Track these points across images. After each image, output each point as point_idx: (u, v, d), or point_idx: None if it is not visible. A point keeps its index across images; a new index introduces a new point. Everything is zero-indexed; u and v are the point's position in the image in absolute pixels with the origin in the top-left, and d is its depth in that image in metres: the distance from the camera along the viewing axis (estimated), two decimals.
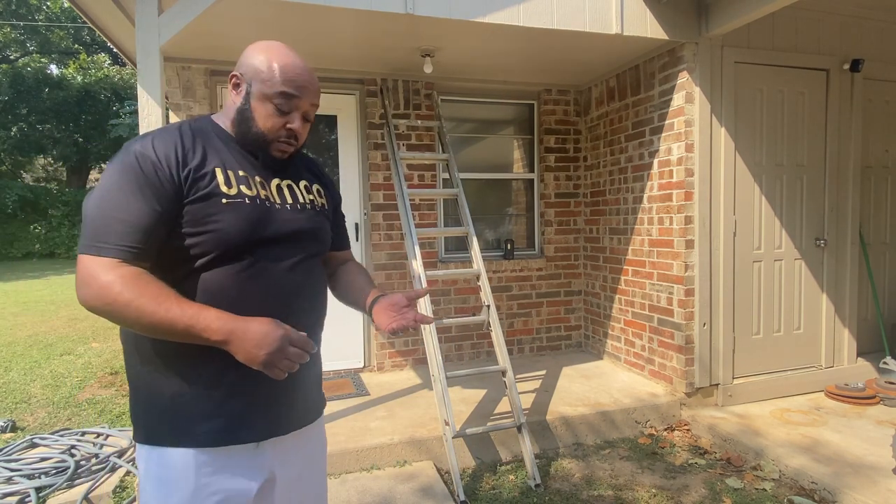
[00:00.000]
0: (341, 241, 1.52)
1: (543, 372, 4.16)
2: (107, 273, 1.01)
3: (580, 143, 4.71)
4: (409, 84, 4.21)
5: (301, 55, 1.24)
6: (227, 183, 1.14)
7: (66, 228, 15.69)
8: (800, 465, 2.77)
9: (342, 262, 1.53)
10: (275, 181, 1.25)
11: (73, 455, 3.04)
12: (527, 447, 2.89)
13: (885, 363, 3.82)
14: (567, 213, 4.72)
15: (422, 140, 4.27)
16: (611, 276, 4.34)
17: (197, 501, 1.10)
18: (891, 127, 4.17)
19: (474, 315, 3.64)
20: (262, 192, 1.20)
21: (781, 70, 3.68)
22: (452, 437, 2.84)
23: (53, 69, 19.90)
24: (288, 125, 1.20)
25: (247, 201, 1.15)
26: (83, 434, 3.37)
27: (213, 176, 1.13)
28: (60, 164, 20.46)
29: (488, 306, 3.28)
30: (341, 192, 3.49)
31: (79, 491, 2.69)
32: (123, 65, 19.18)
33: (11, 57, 19.21)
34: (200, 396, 1.12)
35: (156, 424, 1.13)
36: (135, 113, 14.28)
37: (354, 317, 4.13)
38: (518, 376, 3.89)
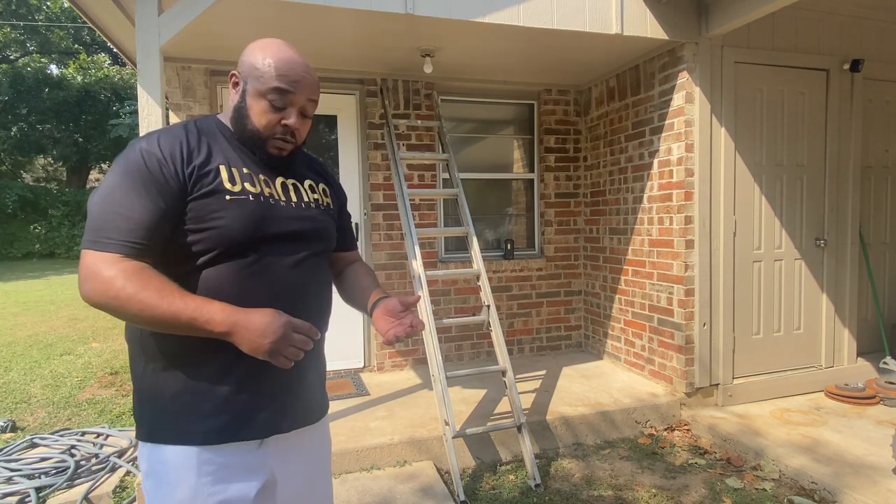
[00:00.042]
0: (347, 242, 1.51)
1: (543, 372, 4.16)
2: (109, 268, 1.01)
3: (580, 143, 4.71)
4: (409, 84, 4.21)
5: (299, 52, 1.23)
6: (231, 180, 1.15)
7: (66, 228, 15.69)
8: (800, 465, 2.77)
9: (349, 263, 1.53)
10: (279, 179, 1.25)
11: (73, 455, 3.04)
12: (527, 447, 2.89)
13: (885, 363, 3.82)
14: (567, 213, 4.72)
15: (422, 140, 4.27)
16: (611, 276, 4.34)
17: (199, 499, 1.10)
18: (891, 127, 4.17)
19: (474, 315, 3.63)
20: (267, 190, 1.20)
21: (781, 70, 3.68)
22: (452, 437, 2.84)
23: (53, 69, 19.90)
24: (283, 121, 1.19)
25: (250, 198, 1.15)
26: (83, 434, 3.37)
27: (217, 173, 1.14)
28: (60, 164, 20.47)
29: (488, 306, 3.28)
30: None
31: (79, 491, 2.69)
32: (123, 65, 19.18)
33: (11, 57, 19.22)
34: (203, 394, 1.12)
35: (158, 422, 1.13)
36: (135, 113, 14.30)
37: (355, 317, 4.14)
38: (518, 376, 3.89)
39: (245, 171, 1.18)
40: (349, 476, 2.83)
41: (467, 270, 3.49)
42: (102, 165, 20.72)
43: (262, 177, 1.21)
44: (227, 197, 1.12)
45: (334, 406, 3.43)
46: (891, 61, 3.98)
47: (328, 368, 4.26)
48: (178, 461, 1.11)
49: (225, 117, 1.26)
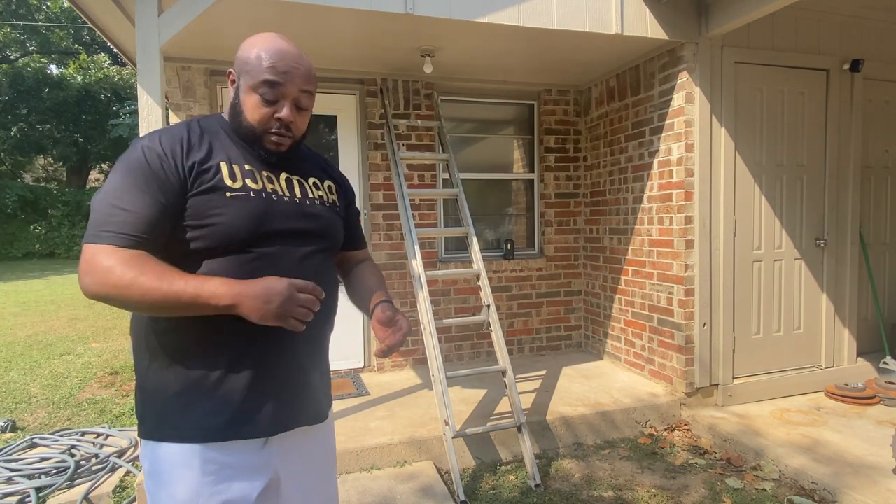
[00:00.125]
0: (355, 240, 1.49)
1: (543, 372, 4.16)
2: (107, 258, 1.01)
3: (580, 143, 4.71)
4: (409, 84, 4.21)
5: (293, 43, 1.20)
6: (232, 177, 1.14)
7: (66, 228, 15.69)
8: (800, 465, 2.77)
9: (357, 263, 1.51)
10: (283, 175, 1.24)
11: (73, 455, 3.04)
12: (527, 447, 2.89)
13: (885, 363, 3.82)
14: (567, 213, 4.72)
15: (422, 140, 4.27)
16: (611, 276, 4.34)
17: (201, 498, 1.10)
18: (891, 127, 4.17)
19: (474, 315, 3.63)
20: (269, 186, 1.19)
21: (781, 70, 3.68)
22: (452, 437, 2.84)
23: (53, 69, 19.91)
24: (276, 115, 1.16)
25: (251, 194, 1.15)
26: (83, 434, 3.37)
27: (218, 170, 1.13)
28: (60, 164, 20.47)
29: (488, 306, 3.28)
30: None
31: (79, 491, 2.69)
32: (123, 65, 19.18)
33: (11, 57, 19.21)
34: (207, 392, 1.11)
35: (161, 420, 1.13)
36: (135, 113, 14.30)
37: (355, 317, 4.14)
38: (518, 376, 3.89)
39: (247, 167, 1.18)
40: (349, 476, 2.83)
41: (467, 270, 3.49)
42: (102, 165, 20.73)
43: (265, 173, 1.20)
44: (228, 193, 1.12)
45: (335, 406, 3.42)
46: (891, 61, 3.98)
47: None
48: (181, 459, 1.10)
49: (227, 115, 1.26)
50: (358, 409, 3.44)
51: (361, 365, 4.26)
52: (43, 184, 20.04)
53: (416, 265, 3.31)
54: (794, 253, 3.79)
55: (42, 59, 19.39)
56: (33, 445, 3.23)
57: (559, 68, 4.15)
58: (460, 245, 4.53)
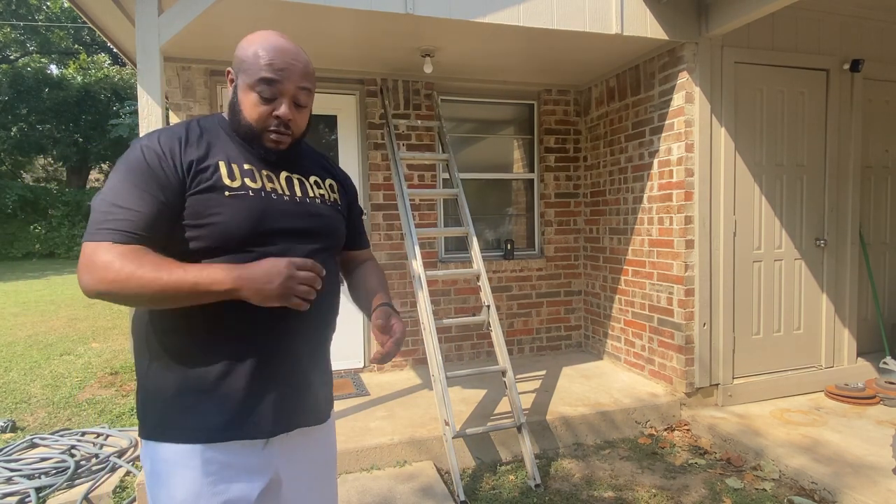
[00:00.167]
0: (358, 240, 1.48)
1: (543, 372, 4.16)
2: (105, 253, 1.01)
3: (580, 143, 4.71)
4: (409, 84, 4.21)
5: (291, 40, 1.19)
6: (231, 176, 1.14)
7: (66, 228, 15.70)
8: (800, 465, 2.77)
9: (360, 263, 1.50)
10: (283, 174, 1.23)
11: (73, 455, 3.04)
12: (527, 447, 2.89)
13: (885, 363, 3.82)
14: (567, 213, 4.72)
15: (422, 140, 4.27)
16: (611, 276, 4.34)
17: (202, 499, 1.10)
18: (891, 127, 4.17)
19: (474, 315, 3.63)
20: (269, 185, 1.19)
21: (781, 70, 3.68)
22: (452, 437, 2.84)
23: (53, 69, 19.91)
24: (275, 112, 1.15)
25: (250, 193, 1.14)
26: (83, 434, 3.37)
27: (217, 169, 1.13)
28: (60, 164, 20.47)
29: (488, 306, 3.28)
30: None
31: (79, 491, 2.69)
32: (123, 65, 19.18)
33: (11, 57, 19.21)
34: (207, 392, 1.11)
35: (161, 420, 1.12)
36: (135, 113, 14.30)
37: (354, 317, 4.14)
38: (518, 376, 3.89)
39: (246, 166, 1.17)
40: (349, 476, 2.83)
41: (467, 270, 3.49)
42: (102, 165, 20.73)
43: (264, 172, 1.19)
44: (227, 193, 1.12)
45: (335, 406, 3.43)
46: (891, 61, 3.98)
47: None
48: (181, 460, 1.10)
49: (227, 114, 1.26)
50: (358, 409, 3.44)
51: (361, 365, 4.26)
52: (43, 184, 20.04)
53: (416, 265, 3.31)
54: (794, 253, 3.79)
55: (42, 59, 19.39)
56: (33, 445, 3.23)
57: (559, 68, 4.15)
58: (460, 245, 4.53)
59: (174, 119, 3.80)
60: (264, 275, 1.02)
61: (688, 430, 3.42)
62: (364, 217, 4.15)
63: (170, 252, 1.09)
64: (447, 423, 2.85)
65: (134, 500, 2.63)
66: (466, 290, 4.43)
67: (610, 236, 4.33)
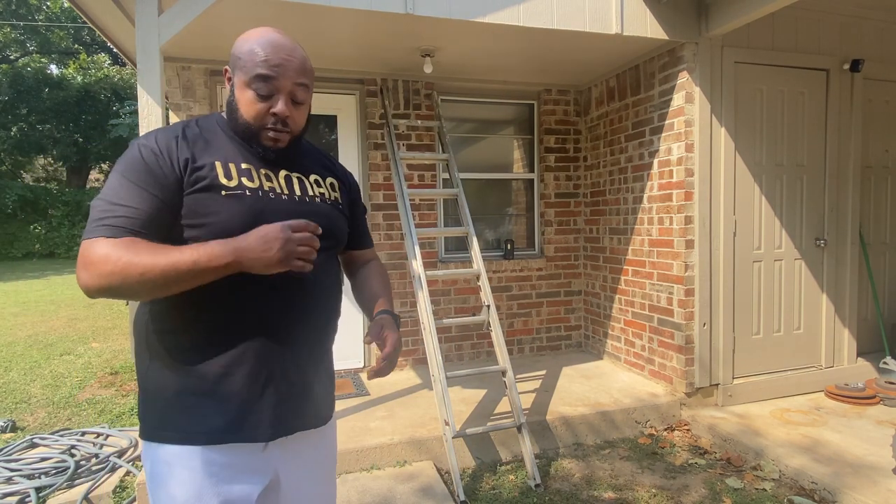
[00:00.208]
0: (361, 239, 1.46)
1: (543, 372, 4.16)
2: (101, 248, 1.00)
3: (580, 143, 4.71)
4: (409, 84, 4.21)
5: (287, 36, 1.17)
6: (227, 175, 1.12)
7: (66, 228, 15.70)
8: (800, 465, 2.77)
9: (364, 263, 1.49)
10: (283, 173, 1.22)
11: (73, 455, 3.04)
12: (527, 447, 2.89)
13: (885, 363, 3.82)
14: (567, 213, 4.72)
15: (422, 140, 4.27)
16: (611, 276, 4.34)
17: (203, 499, 1.09)
18: (891, 127, 4.17)
19: (474, 315, 3.63)
20: (267, 184, 1.17)
21: (781, 70, 3.68)
22: (452, 437, 2.84)
23: (53, 69, 19.90)
24: (272, 110, 1.13)
25: (247, 193, 1.13)
26: (83, 434, 3.37)
27: (213, 168, 1.12)
28: (60, 164, 20.46)
29: (488, 306, 3.28)
30: None
31: (79, 491, 2.69)
32: (123, 65, 19.18)
33: (11, 57, 19.21)
34: (207, 393, 1.10)
35: (161, 421, 1.12)
36: (135, 113, 14.29)
37: (354, 317, 4.14)
38: (518, 376, 3.89)
39: (244, 166, 1.16)
40: (349, 476, 2.83)
41: (467, 270, 3.49)
42: (102, 165, 20.73)
43: (263, 171, 1.18)
44: (223, 192, 1.10)
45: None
46: (891, 61, 3.98)
47: None
48: (181, 461, 1.10)
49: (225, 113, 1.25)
50: (358, 409, 3.44)
51: (361, 365, 4.27)
52: (43, 184, 20.04)
53: (416, 265, 3.31)
54: (794, 253, 3.79)
55: (42, 59, 19.39)
56: (33, 445, 3.23)
57: (559, 68, 4.15)
58: (460, 245, 4.53)
59: (174, 119, 3.80)
60: (261, 242, 1.01)
61: (688, 430, 3.42)
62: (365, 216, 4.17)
63: None
64: (447, 423, 2.85)
65: (134, 500, 2.63)
66: (466, 290, 4.43)
67: (610, 236, 4.33)
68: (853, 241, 3.92)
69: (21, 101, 17.41)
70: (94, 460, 3.00)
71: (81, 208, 15.76)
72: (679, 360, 3.57)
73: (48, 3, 18.74)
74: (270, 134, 1.15)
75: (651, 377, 3.87)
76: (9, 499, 2.61)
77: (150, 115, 2.57)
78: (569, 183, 4.71)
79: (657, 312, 3.77)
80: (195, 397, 1.10)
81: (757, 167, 3.66)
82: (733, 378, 3.64)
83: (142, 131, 2.53)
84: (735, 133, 3.57)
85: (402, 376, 4.12)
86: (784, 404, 3.58)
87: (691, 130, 3.47)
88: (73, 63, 19.57)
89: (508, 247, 4.55)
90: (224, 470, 1.11)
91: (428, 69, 3.68)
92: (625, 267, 4.14)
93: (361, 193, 4.36)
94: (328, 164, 1.38)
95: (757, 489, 2.71)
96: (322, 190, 1.28)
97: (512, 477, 2.89)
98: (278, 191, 1.18)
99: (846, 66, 3.79)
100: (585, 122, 4.66)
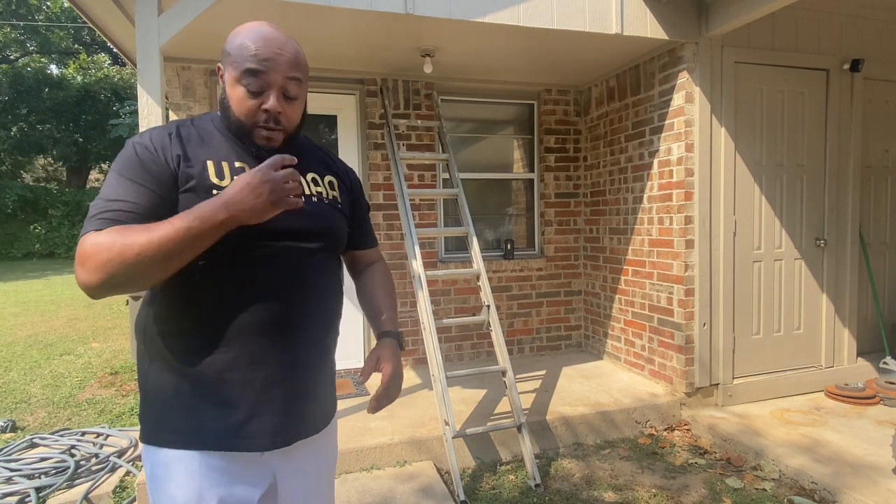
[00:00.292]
0: (363, 239, 1.43)
1: (543, 372, 4.16)
2: (95, 238, 0.97)
3: (580, 143, 4.71)
4: (409, 84, 4.21)
5: (279, 29, 1.14)
6: (219, 175, 1.10)
7: (66, 228, 15.70)
8: (800, 465, 2.77)
9: (367, 266, 1.46)
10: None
11: (73, 455, 3.04)
12: (527, 447, 2.89)
13: (885, 363, 3.82)
14: (567, 213, 4.72)
15: (422, 140, 4.27)
16: (611, 276, 4.34)
17: (201, 502, 1.08)
18: (891, 127, 4.17)
19: (474, 315, 3.63)
20: None
21: (781, 70, 3.68)
22: (452, 437, 2.84)
23: (53, 69, 19.91)
24: (263, 106, 1.10)
25: None
26: (83, 434, 3.37)
27: (204, 167, 1.10)
28: (60, 164, 20.47)
29: (488, 306, 3.28)
30: None
31: (79, 491, 2.69)
32: (123, 65, 19.18)
33: (11, 57, 19.21)
34: (204, 398, 1.09)
35: (160, 424, 1.11)
36: (135, 113, 14.29)
37: (354, 317, 4.14)
38: (518, 376, 3.89)
39: (238, 164, 1.13)
40: (349, 476, 2.83)
41: (467, 270, 3.49)
42: (102, 165, 20.73)
43: None
44: (215, 192, 1.07)
45: None
46: (891, 61, 3.98)
47: None
48: (180, 465, 1.08)
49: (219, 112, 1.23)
50: (358, 409, 3.44)
51: (361, 365, 4.26)
52: (43, 184, 20.04)
53: (416, 265, 3.31)
54: (794, 253, 3.79)
55: (42, 59, 19.39)
56: (33, 445, 3.23)
57: (559, 68, 4.15)
58: (460, 245, 4.53)
59: (174, 119, 3.80)
60: (248, 191, 0.98)
61: (688, 429, 3.42)
62: None
63: None
64: (447, 423, 2.85)
65: (134, 499, 2.63)
66: (466, 290, 4.43)
67: (610, 236, 4.33)
68: (853, 241, 3.92)
69: (21, 101, 17.41)
70: (94, 460, 3.00)
71: (81, 208, 15.76)
72: (679, 360, 3.57)
73: (48, 3, 18.74)
74: (263, 133, 1.12)
75: (651, 377, 3.87)
76: (9, 499, 2.61)
77: (150, 115, 2.57)
78: (569, 183, 4.71)
79: (657, 312, 3.77)
80: (193, 401, 1.09)
81: (757, 167, 3.66)
82: (733, 378, 3.64)
83: (141, 131, 2.53)
84: (735, 133, 3.57)
85: (403, 376, 4.11)
86: (784, 404, 3.58)
87: (691, 130, 3.47)
88: (73, 63, 19.58)
89: (508, 247, 4.55)
90: (223, 475, 1.10)
91: (428, 69, 3.68)
92: (625, 267, 4.14)
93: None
94: (327, 162, 1.34)
95: (757, 489, 2.71)
96: (319, 189, 1.24)
97: (512, 477, 2.89)
98: None
99: (846, 66, 3.79)
100: (585, 122, 4.66)
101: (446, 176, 4.35)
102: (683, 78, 3.46)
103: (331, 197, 1.27)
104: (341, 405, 3.48)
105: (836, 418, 3.33)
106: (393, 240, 4.22)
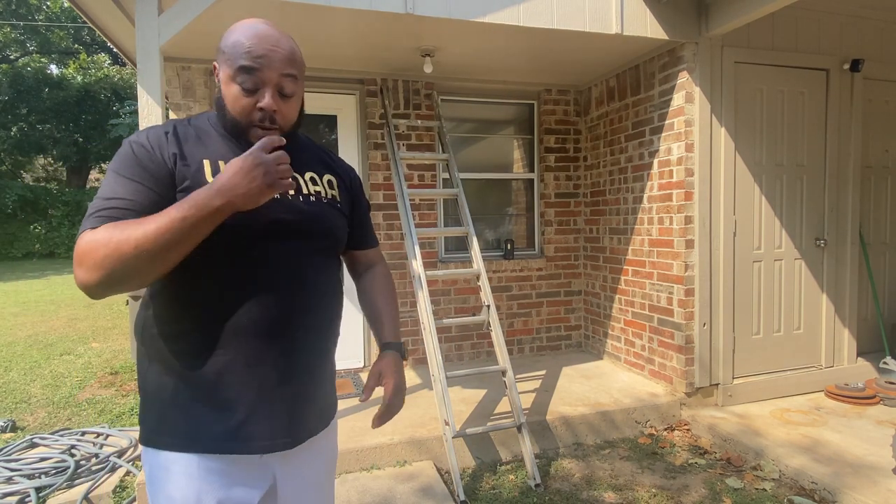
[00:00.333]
0: (364, 239, 1.41)
1: (543, 372, 4.16)
2: (91, 236, 0.96)
3: (580, 143, 4.71)
4: (409, 84, 4.21)
5: (274, 26, 1.13)
6: (216, 174, 1.09)
7: (66, 228, 15.70)
8: (800, 465, 2.77)
9: (368, 268, 1.45)
10: None
11: (73, 455, 3.04)
12: (527, 447, 2.89)
13: (885, 363, 3.82)
14: (567, 213, 4.72)
15: (422, 140, 4.27)
16: (611, 276, 4.34)
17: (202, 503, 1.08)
18: (891, 127, 4.17)
19: (474, 315, 3.63)
20: None
21: (781, 70, 3.68)
22: (452, 437, 2.84)
23: (53, 69, 19.91)
24: (258, 104, 1.08)
25: None
26: (83, 434, 3.37)
27: (200, 166, 1.09)
28: (60, 164, 20.47)
29: (488, 306, 3.28)
30: None
31: (79, 491, 2.69)
32: (123, 65, 19.19)
33: (11, 57, 19.22)
34: (202, 400, 1.08)
35: (158, 427, 1.10)
36: (135, 113, 14.29)
37: (355, 316, 4.14)
38: (518, 376, 3.89)
39: None
40: (349, 476, 2.83)
41: (467, 270, 3.49)
42: (102, 165, 20.73)
43: None
44: None
45: None
46: (891, 61, 3.98)
47: None
48: (179, 468, 1.08)
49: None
50: (358, 409, 3.44)
51: (361, 365, 4.26)
52: (43, 184, 20.04)
53: (416, 265, 3.31)
54: (794, 253, 3.79)
55: (42, 59, 19.40)
56: (33, 445, 3.23)
57: (559, 68, 4.15)
58: (460, 245, 4.53)
59: (172, 118, 3.80)
60: (243, 175, 0.96)
61: (688, 429, 3.42)
62: None
63: None
64: (447, 423, 2.85)
65: (134, 499, 2.63)
66: (466, 290, 4.43)
67: (610, 236, 4.33)
68: (853, 241, 3.92)
69: (21, 101, 17.41)
70: (94, 460, 3.00)
71: (81, 208, 15.76)
72: (679, 359, 3.57)
73: (48, 3, 18.74)
74: (259, 132, 1.11)
75: (651, 377, 3.87)
76: (9, 499, 2.61)
77: (150, 115, 2.57)
78: (569, 183, 4.71)
79: (657, 312, 3.77)
80: (192, 403, 1.08)
81: (757, 167, 3.66)
82: (733, 378, 3.64)
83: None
84: (735, 133, 3.57)
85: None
86: (784, 404, 3.58)
87: (691, 130, 3.47)
88: (73, 63, 19.58)
89: (508, 247, 4.55)
90: (222, 477, 1.09)
91: (428, 69, 3.68)
92: (625, 267, 4.14)
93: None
94: (326, 161, 1.32)
95: (757, 489, 2.71)
96: (318, 188, 1.23)
97: (512, 477, 2.89)
98: None
99: (846, 66, 3.79)
100: (585, 122, 4.66)
101: (446, 176, 4.35)
102: (683, 78, 3.46)
103: (329, 196, 1.25)
104: (341, 405, 3.48)
105: (836, 418, 3.33)
106: (393, 240, 4.22)
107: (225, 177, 0.96)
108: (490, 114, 4.67)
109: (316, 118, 4.15)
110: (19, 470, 2.86)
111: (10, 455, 3.07)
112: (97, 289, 0.96)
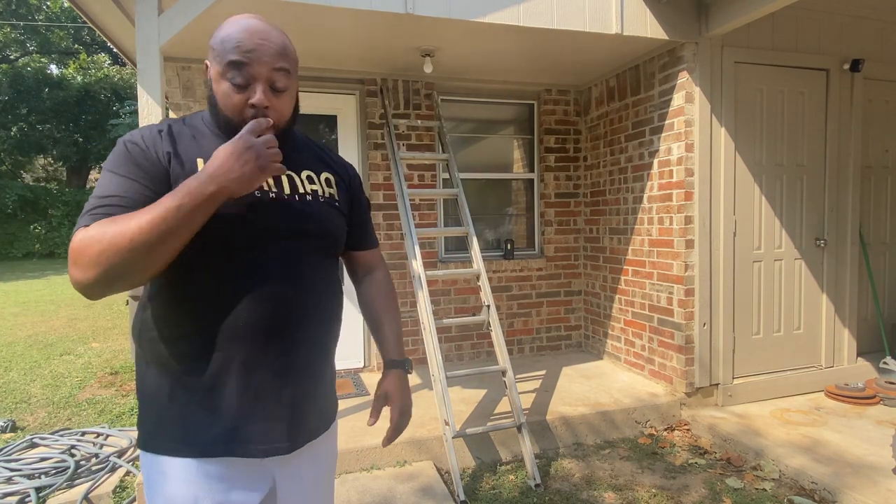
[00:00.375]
0: (363, 239, 1.39)
1: (543, 372, 4.16)
2: (83, 234, 0.94)
3: (580, 143, 4.71)
4: (409, 84, 4.21)
5: (265, 21, 1.10)
6: None
7: (66, 228, 15.71)
8: (800, 465, 2.77)
9: (368, 272, 1.43)
10: None
11: (73, 455, 3.04)
12: (527, 447, 2.89)
13: (885, 363, 3.82)
14: (567, 213, 4.72)
15: (422, 140, 4.27)
16: (611, 276, 4.34)
17: None
18: (891, 127, 4.17)
19: (474, 315, 3.63)
20: None
21: (781, 70, 3.68)
22: (452, 437, 2.84)
23: (53, 69, 19.91)
24: (250, 101, 1.05)
25: None
26: (83, 434, 3.37)
27: (194, 166, 1.07)
28: (60, 164, 20.48)
29: (488, 306, 3.28)
30: None
31: (79, 491, 2.69)
32: (123, 65, 19.19)
33: (11, 57, 19.22)
34: (199, 403, 1.07)
35: (156, 431, 1.09)
36: (135, 113, 14.28)
37: (355, 317, 4.13)
38: (518, 376, 3.89)
39: None
40: (349, 476, 2.83)
41: (467, 270, 3.49)
42: (102, 165, 20.73)
43: None
44: None
45: None
46: (891, 61, 3.98)
47: None
48: (176, 472, 1.07)
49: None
50: (358, 409, 3.44)
51: (361, 365, 4.26)
52: (43, 184, 20.05)
53: (416, 265, 3.31)
54: (794, 253, 3.79)
55: (42, 59, 19.40)
56: (33, 445, 3.23)
57: (559, 68, 4.15)
58: (460, 245, 4.53)
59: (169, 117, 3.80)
60: (234, 159, 0.94)
61: (688, 429, 3.42)
62: None
63: None
64: (447, 423, 2.85)
65: (134, 500, 2.63)
66: (466, 290, 4.43)
67: (610, 236, 4.33)
68: (853, 241, 3.92)
69: (21, 101, 17.42)
70: (94, 460, 3.00)
71: (81, 208, 15.70)
72: (679, 360, 3.57)
73: (48, 3, 18.74)
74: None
75: (651, 377, 3.87)
76: (9, 499, 2.61)
77: (150, 115, 2.57)
78: (569, 183, 4.71)
79: (657, 312, 3.77)
80: (188, 405, 1.07)
81: (757, 167, 3.66)
82: (733, 378, 3.64)
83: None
84: (735, 133, 3.57)
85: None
86: (784, 404, 3.58)
87: (691, 130, 3.47)
88: (73, 63, 19.59)
89: (508, 247, 4.55)
90: (221, 481, 1.08)
91: (428, 69, 3.68)
92: (625, 267, 4.14)
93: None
94: (325, 159, 1.29)
95: (757, 489, 2.71)
96: (315, 187, 1.20)
97: (512, 477, 2.89)
98: (265, 188, 1.12)
99: (846, 66, 3.79)
100: (585, 122, 4.66)
101: (446, 176, 4.35)
102: (683, 78, 3.46)
103: (327, 195, 1.22)
104: (341, 405, 3.48)
105: (836, 418, 3.33)
106: (393, 240, 4.22)
107: (216, 163, 0.95)
108: (490, 114, 4.67)
109: (316, 118, 4.15)
110: (19, 470, 2.86)
111: (10, 455, 3.07)
112: (93, 287, 0.94)
